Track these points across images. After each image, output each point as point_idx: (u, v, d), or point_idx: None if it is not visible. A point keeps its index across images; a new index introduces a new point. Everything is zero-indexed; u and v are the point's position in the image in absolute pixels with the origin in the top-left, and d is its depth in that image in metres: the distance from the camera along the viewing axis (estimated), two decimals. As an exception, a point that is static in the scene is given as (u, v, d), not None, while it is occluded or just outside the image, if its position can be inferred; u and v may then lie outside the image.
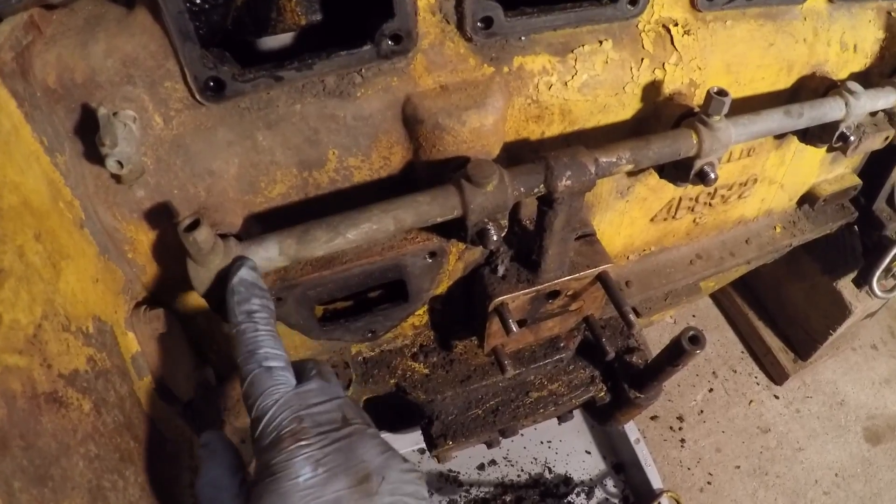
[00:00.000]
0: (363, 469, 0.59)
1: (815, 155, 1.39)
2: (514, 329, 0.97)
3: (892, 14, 1.22)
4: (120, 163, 0.69)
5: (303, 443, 0.58)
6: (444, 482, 1.94)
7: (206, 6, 0.77)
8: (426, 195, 0.79)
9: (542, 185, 0.82)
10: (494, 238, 0.82)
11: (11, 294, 0.60)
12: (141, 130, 0.73)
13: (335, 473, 0.58)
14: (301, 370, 0.70)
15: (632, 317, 1.02)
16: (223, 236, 0.75)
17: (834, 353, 2.35)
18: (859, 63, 1.22)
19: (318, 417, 0.61)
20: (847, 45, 1.17)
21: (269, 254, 0.76)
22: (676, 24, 0.95)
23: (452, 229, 0.87)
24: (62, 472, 0.62)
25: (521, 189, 0.81)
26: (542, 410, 1.29)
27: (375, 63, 0.79)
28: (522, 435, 1.99)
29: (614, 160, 0.86)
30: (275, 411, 0.60)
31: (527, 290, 0.99)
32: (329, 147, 0.81)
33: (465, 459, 1.99)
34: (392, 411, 1.66)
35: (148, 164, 0.75)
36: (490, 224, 0.82)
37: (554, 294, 1.05)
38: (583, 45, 0.89)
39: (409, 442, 1.94)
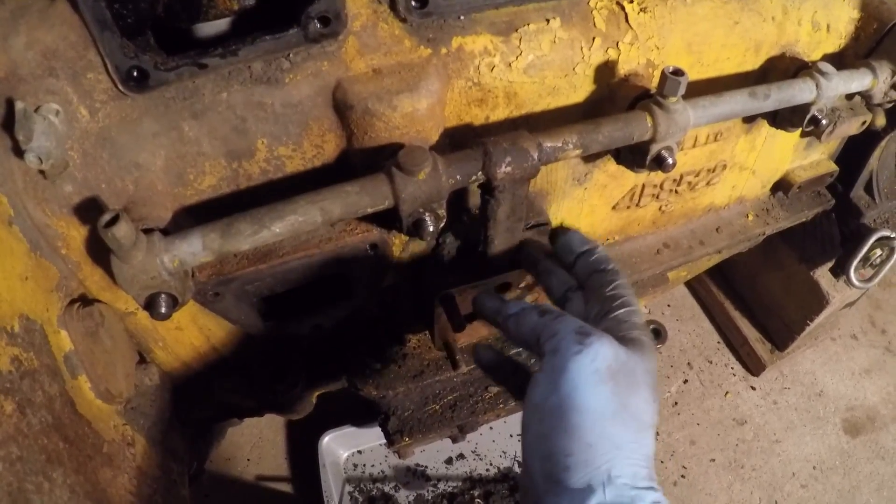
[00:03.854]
0: None
1: (789, 140, 1.35)
2: (462, 323, 0.94)
3: (867, -7, 1.17)
4: (39, 158, 0.67)
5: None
6: (411, 476, 1.92)
7: (132, -7, 0.74)
8: (355, 185, 0.75)
9: (480, 173, 0.78)
10: (431, 229, 0.78)
11: None
12: (66, 124, 0.71)
13: None
14: None
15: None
16: (148, 231, 0.73)
17: (812, 343, 2.33)
18: (833, 44, 1.17)
19: None
20: (819, 25, 1.12)
21: (192, 248, 0.73)
22: (631, 1, 0.90)
23: (390, 220, 0.83)
24: None
25: (458, 177, 0.77)
26: (502, 406, 1.26)
27: (304, 47, 0.75)
28: (492, 428, 1.97)
29: (560, 145, 0.81)
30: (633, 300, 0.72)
31: (474, 283, 0.95)
32: (258, 136, 0.78)
33: (433, 453, 1.96)
34: (358, 405, 1.63)
35: (75, 158, 0.72)
36: (426, 214, 0.78)
37: (505, 286, 1.01)
38: (528, 24, 0.83)
39: (375, 436, 1.91)
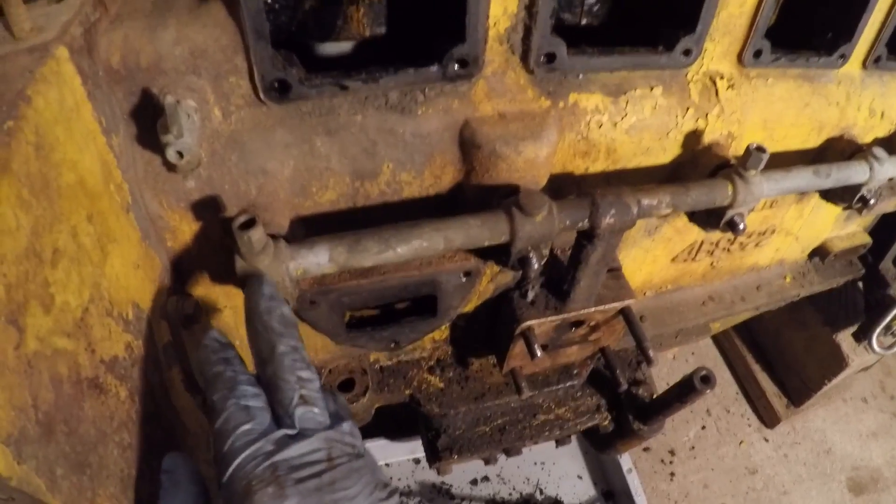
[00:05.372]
0: None
1: (832, 211, 1.44)
2: (538, 353, 1.00)
3: (920, 85, 1.27)
4: (180, 153, 0.68)
5: (278, 497, 0.52)
6: (436, 494, 1.96)
7: (277, 6, 0.78)
8: (477, 218, 0.80)
9: (586, 220, 0.84)
10: (535, 266, 0.85)
11: (64, 275, 0.59)
12: (200, 122, 0.72)
13: None
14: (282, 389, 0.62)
15: (651, 352, 1.05)
16: (273, 237, 0.75)
17: (825, 402, 2.40)
18: (885, 129, 1.26)
19: (296, 461, 0.56)
20: (875, 112, 1.22)
21: (318, 259, 0.76)
22: (722, 77, 0.99)
23: (494, 253, 0.89)
24: (99, 459, 0.61)
25: (567, 222, 0.83)
26: (546, 433, 1.32)
27: (439, 84, 0.80)
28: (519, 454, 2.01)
29: (655, 203, 0.89)
30: (247, 456, 0.55)
31: (554, 318, 1.01)
32: (385, 160, 0.82)
33: (459, 474, 2.01)
34: (393, 419, 1.67)
35: (202, 157, 0.74)
36: (532, 252, 0.84)
37: (578, 323, 1.08)
38: (635, 89, 0.92)
39: (404, 451, 1.95)
